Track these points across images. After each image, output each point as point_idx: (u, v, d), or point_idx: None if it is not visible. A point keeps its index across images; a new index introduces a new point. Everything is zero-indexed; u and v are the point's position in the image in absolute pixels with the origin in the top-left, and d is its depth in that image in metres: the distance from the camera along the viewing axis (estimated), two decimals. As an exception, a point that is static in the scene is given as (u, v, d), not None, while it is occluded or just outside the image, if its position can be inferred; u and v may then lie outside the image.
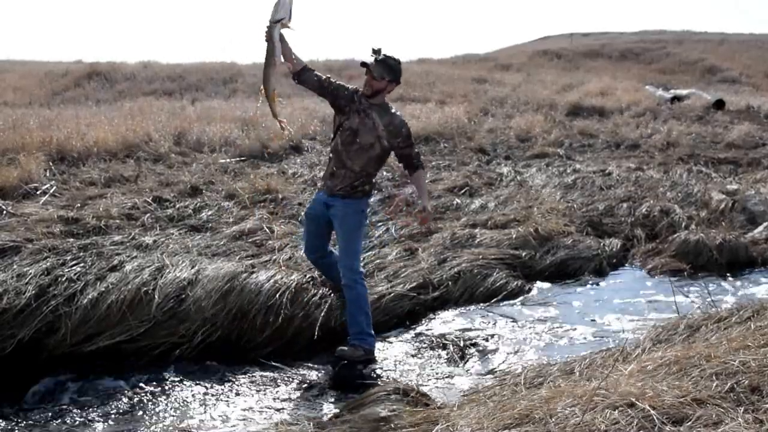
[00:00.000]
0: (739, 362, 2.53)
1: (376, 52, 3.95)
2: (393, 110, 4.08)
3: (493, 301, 5.02)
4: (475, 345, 4.24)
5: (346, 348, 3.94)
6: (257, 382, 3.78)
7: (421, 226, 3.88)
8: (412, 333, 4.47)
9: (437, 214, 6.65)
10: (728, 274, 5.62)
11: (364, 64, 3.94)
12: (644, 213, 6.82)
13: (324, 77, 4.01)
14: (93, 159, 8.12)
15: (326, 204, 4.10)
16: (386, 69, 3.93)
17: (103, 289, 4.20)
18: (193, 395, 3.62)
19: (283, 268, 4.72)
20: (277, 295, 4.30)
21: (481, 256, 5.45)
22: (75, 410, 3.44)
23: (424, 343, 4.27)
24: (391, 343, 4.33)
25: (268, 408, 3.48)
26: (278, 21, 3.71)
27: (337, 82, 4.05)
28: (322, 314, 4.30)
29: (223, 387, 3.71)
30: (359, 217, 4.12)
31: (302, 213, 6.27)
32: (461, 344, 4.21)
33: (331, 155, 4.14)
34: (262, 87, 3.91)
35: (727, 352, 2.66)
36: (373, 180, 4.26)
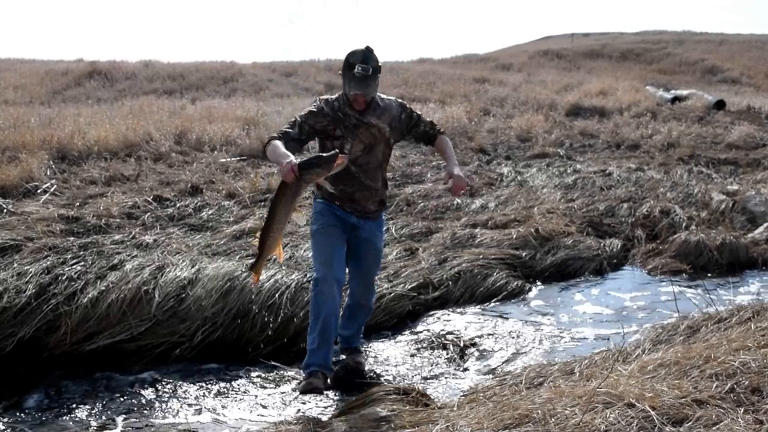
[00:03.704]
0: (740, 363, 2.53)
1: (365, 59, 3.25)
2: (381, 100, 3.48)
3: (493, 301, 5.02)
4: (475, 345, 4.24)
5: (360, 360, 3.84)
6: (257, 382, 3.78)
7: (455, 195, 3.53)
8: (412, 333, 4.47)
9: (437, 214, 6.65)
10: (728, 275, 5.61)
11: (356, 95, 3.30)
12: (645, 213, 6.81)
13: (294, 131, 3.29)
14: (93, 158, 8.13)
15: (353, 225, 3.48)
16: (378, 72, 3.32)
17: (104, 288, 4.20)
18: (193, 395, 3.62)
19: (283, 267, 4.72)
20: (277, 295, 4.30)
21: (481, 256, 5.45)
22: (74, 409, 3.44)
23: (424, 343, 4.27)
24: (391, 343, 4.33)
25: (268, 408, 3.49)
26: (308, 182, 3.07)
27: (308, 121, 3.33)
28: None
29: (223, 387, 3.71)
30: (383, 230, 3.76)
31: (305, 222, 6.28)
32: (461, 344, 4.22)
33: (340, 178, 3.32)
34: (258, 237, 3.12)
35: (727, 353, 2.66)
36: None
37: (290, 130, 3.28)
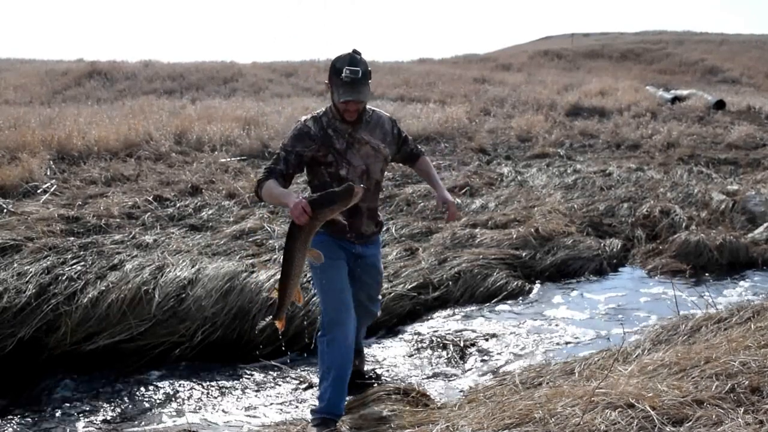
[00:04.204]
0: (740, 363, 2.53)
1: (353, 62, 2.93)
2: (372, 112, 3.20)
3: (493, 301, 5.02)
4: (475, 345, 4.24)
5: (360, 360, 3.78)
6: (257, 382, 3.79)
7: (449, 221, 3.12)
8: (412, 333, 4.47)
9: (437, 214, 6.65)
10: (728, 275, 5.62)
11: (348, 102, 2.97)
12: (645, 213, 6.81)
13: (280, 167, 3.02)
14: (94, 158, 8.13)
15: (357, 255, 3.23)
16: (369, 77, 3.02)
17: (104, 287, 4.20)
18: (193, 395, 3.62)
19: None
20: (278, 295, 4.30)
21: (481, 256, 5.45)
22: (74, 409, 3.44)
23: (424, 343, 4.27)
24: (392, 343, 4.33)
25: (268, 408, 3.49)
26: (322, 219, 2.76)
27: (295, 149, 3.02)
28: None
29: (223, 387, 3.71)
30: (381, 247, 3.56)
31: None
32: (461, 344, 4.21)
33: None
34: (276, 289, 2.87)
35: (727, 353, 2.66)
36: None
37: (275, 167, 3.01)
